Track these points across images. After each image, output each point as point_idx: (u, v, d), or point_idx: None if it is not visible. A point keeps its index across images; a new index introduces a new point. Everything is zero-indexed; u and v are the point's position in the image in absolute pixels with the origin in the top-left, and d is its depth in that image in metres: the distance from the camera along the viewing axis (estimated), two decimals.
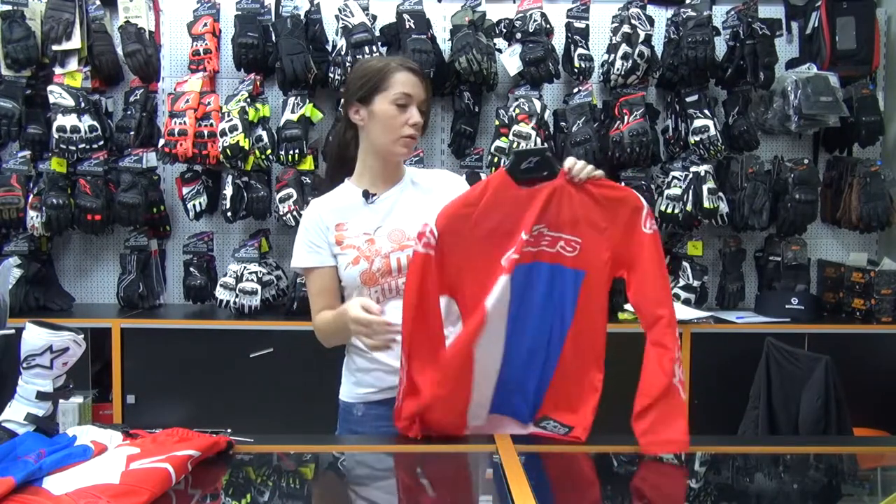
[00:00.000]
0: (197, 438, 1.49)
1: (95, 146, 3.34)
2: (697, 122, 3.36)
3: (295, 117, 3.31)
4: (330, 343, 1.80)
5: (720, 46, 3.49)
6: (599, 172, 1.61)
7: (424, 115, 1.78)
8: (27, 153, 3.39)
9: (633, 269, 1.63)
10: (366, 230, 1.76)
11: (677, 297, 3.42)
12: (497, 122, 3.32)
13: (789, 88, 3.43)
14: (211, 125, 3.27)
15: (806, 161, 3.50)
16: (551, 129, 3.40)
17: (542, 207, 1.60)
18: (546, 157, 1.61)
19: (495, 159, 3.28)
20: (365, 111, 1.76)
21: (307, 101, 3.33)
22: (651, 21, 3.41)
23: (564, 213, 1.62)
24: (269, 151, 3.30)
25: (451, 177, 1.91)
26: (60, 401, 1.63)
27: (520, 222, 1.59)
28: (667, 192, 3.38)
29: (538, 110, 3.27)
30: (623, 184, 3.35)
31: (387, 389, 1.72)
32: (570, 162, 1.62)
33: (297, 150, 3.30)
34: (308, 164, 3.36)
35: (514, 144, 3.22)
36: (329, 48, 3.39)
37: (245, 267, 3.33)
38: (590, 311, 1.65)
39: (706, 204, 3.33)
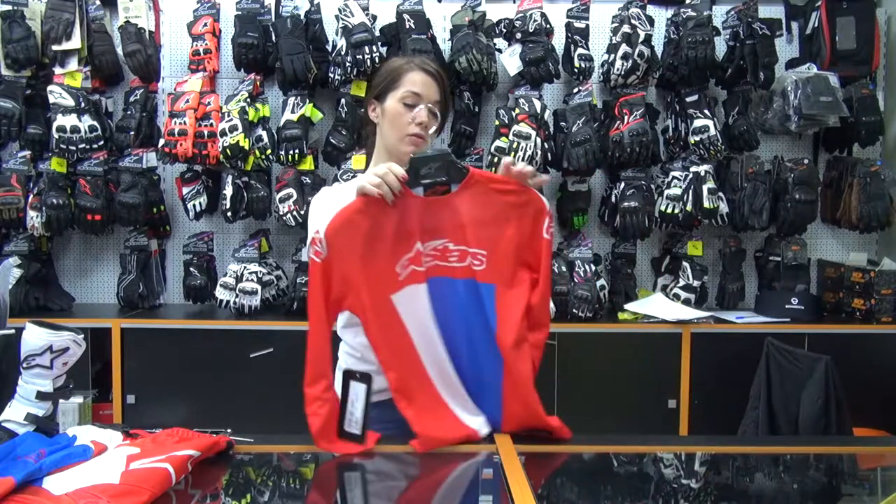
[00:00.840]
0: (197, 438, 1.49)
1: (95, 146, 3.34)
2: (697, 122, 3.36)
3: (295, 117, 3.31)
4: None
5: (720, 46, 3.49)
6: (544, 177, 1.62)
7: (439, 116, 1.77)
8: (27, 153, 3.39)
9: (539, 279, 1.61)
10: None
11: (677, 297, 3.43)
12: (497, 122, 3.32)
13: (789, 88, 3.43)
14: (211, 125, 3.27)
15: (806, 161, 3.50)
16: (551, 129, 3.40)
17: (442, 216, 1.55)
18: (447, 162, 1.54)
19: (495, 159, 3.28)
20: (379, 108, 1.79)
21: (307, 101, 3.33)
22: (651, 21, 3.41)
23: (468, 223, 1.57)
24: (269, 151, 3.30)
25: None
26: (60, 401, 1.62)
27: (416, 231, 1.54)
28: (667, 192, 3.38)
29: (538, 110, 3.27)
30: (623, 184, 3.37)
31: (379, 392, 1.71)
32: (507, 160, 1.61)
33: (297, 150, 3.30)
34: (308, 164, 3.36)
35: (514, 144, 3.22)
36: (329, 48, 3.39)
37: (245, 267, 3.33)
38: (511, 321, 1.58)
39: (706, 204, 3.33)
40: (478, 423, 1.61)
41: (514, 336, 1.58)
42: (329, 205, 1.80)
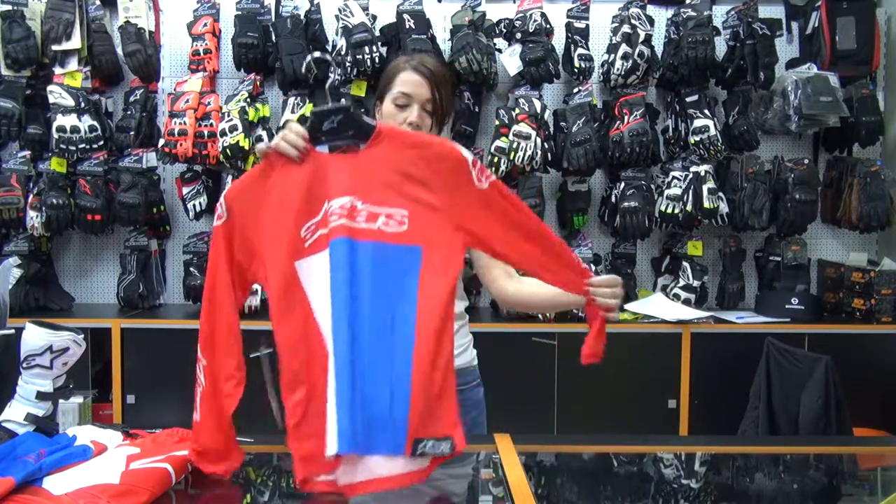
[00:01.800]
0: None
1: (95, 146, 3.34)
2: (697, 122, 3.36)
3: (295, 117, 3.31)
4: None
5: (720, 46, 3.48)
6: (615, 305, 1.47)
7: (432, 115, 1.74)
8: (27, 153, 3.39)
9: (488, 235, 1.41)
10: None
11: (677, 297, 3.43)
12: (497, 122, 3.32)
13: (789, 88, 3.43)
14: (211, 125, 3.27)
15: (806, 161, 3.50)
16: (551, 129, 3.40)
17: (350, 174, 1.38)
18: (351, 115, 1.39)
19: (495, 159, 3.28)
20: (380, 109, 1.78)
21: (307, 101, 3.33)
22: (651, 21, 3.41)
23: (379, 181, 1.38)
24: None
25: None
26: (60, 401, 1.63)
27: (323, 190, 1.38)
28: (667, 192, 3.38)
29: (538, 110, 3.27)
30: (623, 184, 3.37)
31: None
32: (595, 280, 1.47)
33: None
34: None
35: (514, 144, 3.22)
36: (329, 48, 3.39)
37: None
38: (437, 294, 1.35)
39: (706, 204, 3.33)
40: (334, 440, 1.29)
41: (439, 310, 1.35)
42: None
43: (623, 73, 3.33)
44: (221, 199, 1.41)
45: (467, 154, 1.41)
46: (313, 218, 1.37)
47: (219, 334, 1.43)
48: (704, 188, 3.33)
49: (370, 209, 1.36)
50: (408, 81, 1.73)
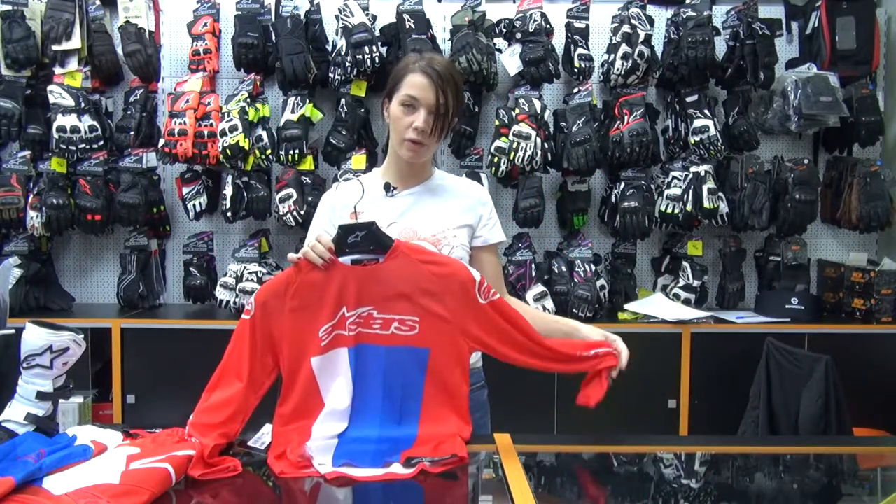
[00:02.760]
0: None
1: (95, 146, 3.34)
2: (697, 122, 3.36)
3: (295, 117, 3.31)
4: None
5: (720, 46, 3.49)
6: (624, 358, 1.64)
7: (440, 118, 1.71)
8: (27, 153, 3.39)
9: (497, 343, 1.60)
10: (379, 223, 1.75)
11: (677, 297, 3.43)
12: (497, 122, 3.32)
13: (789, 88, 3.43)
14: (211, 125, 3.27)
15: (806, 161, 3.50)
16: (551, 129, 3.40)
17: (368, 285, 1.57)
18: (374, 232, 1.56)
19: (495, 159, 3.28)
20: (388, 108, 1.76)
21: (307, 101, 3.33)
22: (651, 21, 3.41)
23: (394, 292, 1.58)
24: (269, 151, 3.30)
25: (476, 189, 1.89)
26: (60, 401, 1.63)
27: (343, 298, 1.57)
28: (667, 192, 3.38)
29: (538, 110, 3.27)
30: (623, 184, 3.38)
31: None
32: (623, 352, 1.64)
33: (297, 150, 3.30)
34: (308, 164, 3.36)
35: (514, 144, 3.22)
36: (329, 48, 3.39)
37: (245, 267, 3.33)
38: (442, 386, 1.60)
39: (706, 204, 3.33)
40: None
41: (442, 398, 1.59)
42: (329, 209, 1.81)
43: (623, 73, 3.34)
44: (252, 298, 1.60)
45: (476, 275, 1.60)
46: (330, 321, 1.57)
47: (212, 404, 1.59)
48: (704, 188, 3.33)
49: (385, 317, 1.58)
50: (416, 84, 1.70)
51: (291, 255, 1.60)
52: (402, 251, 1.59)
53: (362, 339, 1.58)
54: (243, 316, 1.59)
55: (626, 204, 3.35)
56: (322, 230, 1.78)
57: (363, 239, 1.56)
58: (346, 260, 1.57)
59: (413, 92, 1.70)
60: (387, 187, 1.80)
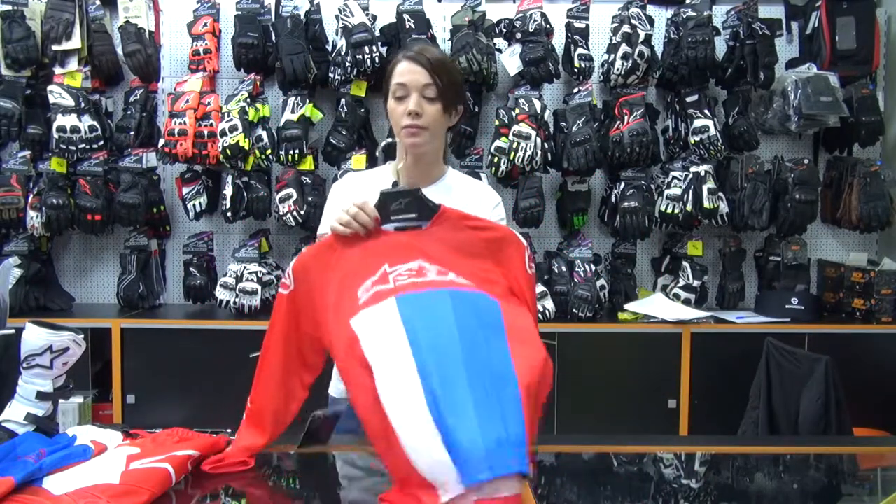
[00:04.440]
0: (197, 438, 1.49)
1: (95, 146, 3.34)
2: (697, 122, 3.36)
3: (295, 117, 3.31)
4: None
5: (720, 46, 3.49)
6: None
7: (436, 100, 1.69)
8: (27, 153, 3.39)
9: (532, 320, 1.49)
10: None
11: (677, 297, 3.43)
12: (497, 122, 3.32)
13: (789, 88, 3.43)
14: (211, 125, 3.27)
15: (806, 161, 3.50)
16: (551, 129, 3.40)
17: (415, 245, 1.46)
18: (416, 198, 1.49)
19: (495, 159, 3.28)
20: (387, 108, 1.76)
21: (307, 101, 3.33)
22: (651, 21, 3.41)
23: (442, 255, 1.45)
24: (269, 151, 3.30)
25: (486, 192, 1.88)
26: (60, 401, 1.63)
27: (384, 258, 1.43)
28: (667, 192, 3.38)
29: (538, 110, 3.27)
30: (623, 184, 3.38)
31: None
32: None
33: (297, 150, 3.30)
34: (308, 164, 3.36)
35: (514, 144, 3.22)
36: (329, 48, 3.39)
37: (245, 267, 3.33)
38: (525, 325, 1.37)
39: (706, 204, 3.33)
40: (444, 480, 1.13)
41: (532, 338, 1.33)
42: (351, 191, 1.77)
43: (623, 73, 3.33)
44: (289, 269, 1.49)
45: (524, 242, 1.52)
46: (370, 277, 1.40)
47: (261, 384, 1.56)
48: (704, 188, 3.33)
49: (439, 269, 1.41)
50: (402, 72, 1.70)
51: (335, 225, 1.49)
52: (449, 216, 1.50)
53: (412, 288, 1.35)
54: (280, 290, 1.50)
55: (626, 204, 3.35)
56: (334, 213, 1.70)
57: (406, 206, 1.48)
58: (389, 227, 1.49)
59: (401, 79, 1.70)
60: (394, 185, 1.78)
